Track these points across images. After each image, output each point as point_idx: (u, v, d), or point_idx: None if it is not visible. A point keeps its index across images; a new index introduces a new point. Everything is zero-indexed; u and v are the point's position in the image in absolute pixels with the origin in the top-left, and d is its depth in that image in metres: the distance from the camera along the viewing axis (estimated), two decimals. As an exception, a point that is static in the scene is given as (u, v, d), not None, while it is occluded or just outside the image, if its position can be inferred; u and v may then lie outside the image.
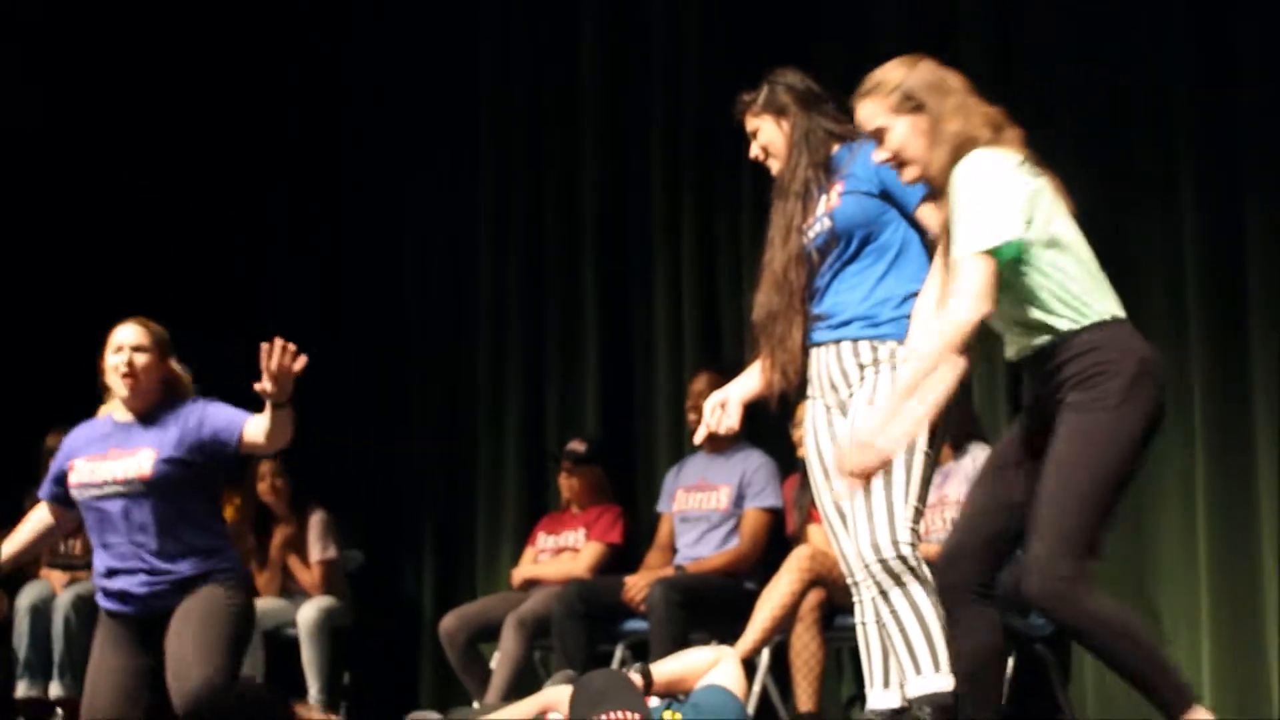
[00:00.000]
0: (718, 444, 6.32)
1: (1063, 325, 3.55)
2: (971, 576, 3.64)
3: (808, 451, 4.41)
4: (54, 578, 6.87)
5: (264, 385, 4.47)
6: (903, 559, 4.04)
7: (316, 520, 7.25)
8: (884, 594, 4.06)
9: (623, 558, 6.51)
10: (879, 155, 3.87)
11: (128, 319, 4.95)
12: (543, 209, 7.54)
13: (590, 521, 6.62)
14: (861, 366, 4.23)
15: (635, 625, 6.08)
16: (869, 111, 3.83)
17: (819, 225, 4.43)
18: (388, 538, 7.79)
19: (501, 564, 7.24)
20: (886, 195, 4.40)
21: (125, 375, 4.83)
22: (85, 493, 4.80)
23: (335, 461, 7.92)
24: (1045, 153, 3.71)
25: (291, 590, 7.24)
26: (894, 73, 3.81)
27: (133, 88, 8.27)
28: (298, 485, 7.33)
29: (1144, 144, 5.68)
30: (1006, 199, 3.53)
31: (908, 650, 4.05)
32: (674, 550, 6.37)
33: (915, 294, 4.20)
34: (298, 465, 7.33)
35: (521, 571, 6.66)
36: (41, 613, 6.80)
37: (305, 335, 8.27)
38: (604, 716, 3.58)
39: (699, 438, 4.73)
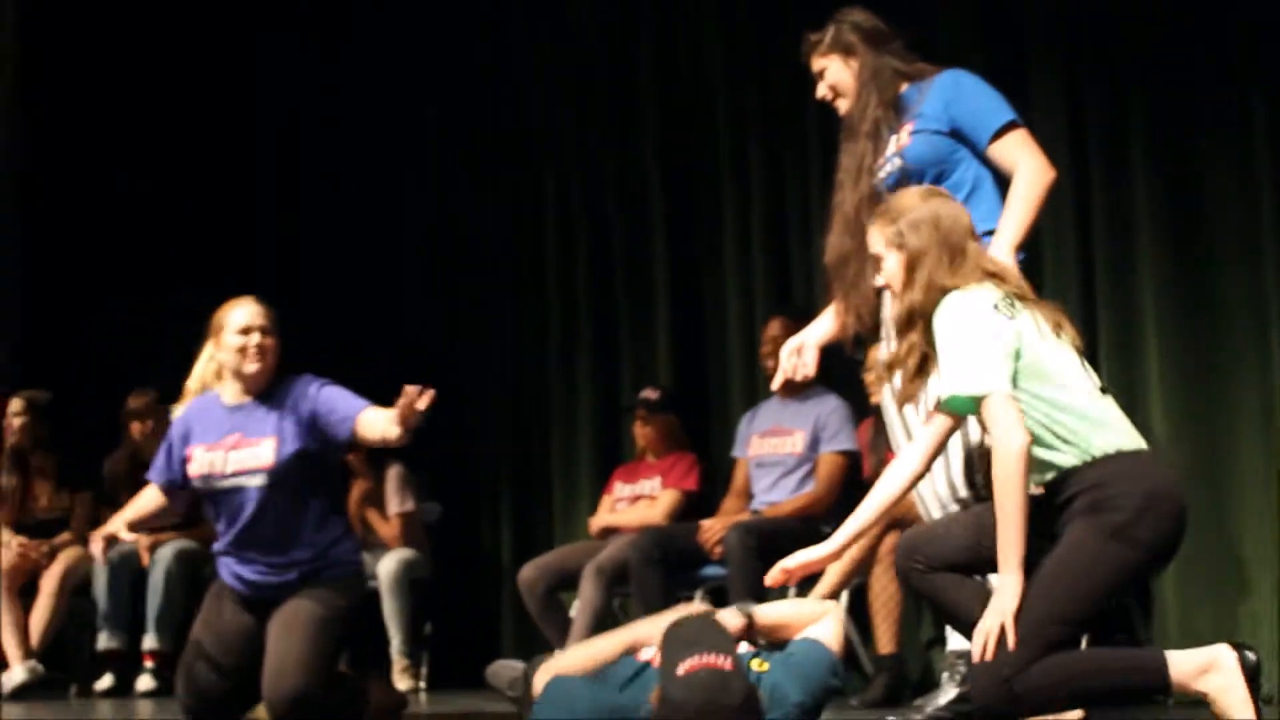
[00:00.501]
0: (791, 389, 6.30)
1: (1066, 462, 3.52)
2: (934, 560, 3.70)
3: (884, 394, 4.41)
4: (140, 540, 6.93)
5: (398, 422, 4.47)
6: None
7: (394, 474, 7.32)
8: None
9: (699, 504, 6.53)
10: (877, 280, 3.88)
11: (239, 299, 4.91)
12: (608, 159, 7.54)
13: (666, 469, 6.65)
14: None
15: (713, 571, 6.10)
16: (873, 237, 3.85)
17: (890, 165, 4.42)
18: (465, 490, 7.85)
19: (579, 513, 7.29)
20: (957, 133, 4.39)
21: (256, 358, 4.82)
22: (206, 482, 4.81)
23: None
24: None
25: (371, 544, 7.31)
26: (902, 202, 3.83)
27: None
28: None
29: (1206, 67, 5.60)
30: (982, 343, 3.53)
31: None
32: (750, 496, 6.38)
33: (990, 232, 4.19)
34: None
35: (599, 520, 6.69)
36: (120, 568, 6.90)
37: (379, 290, 8.42)
38: (695, 658, 3.60)
39: (776, 384, 4.74)
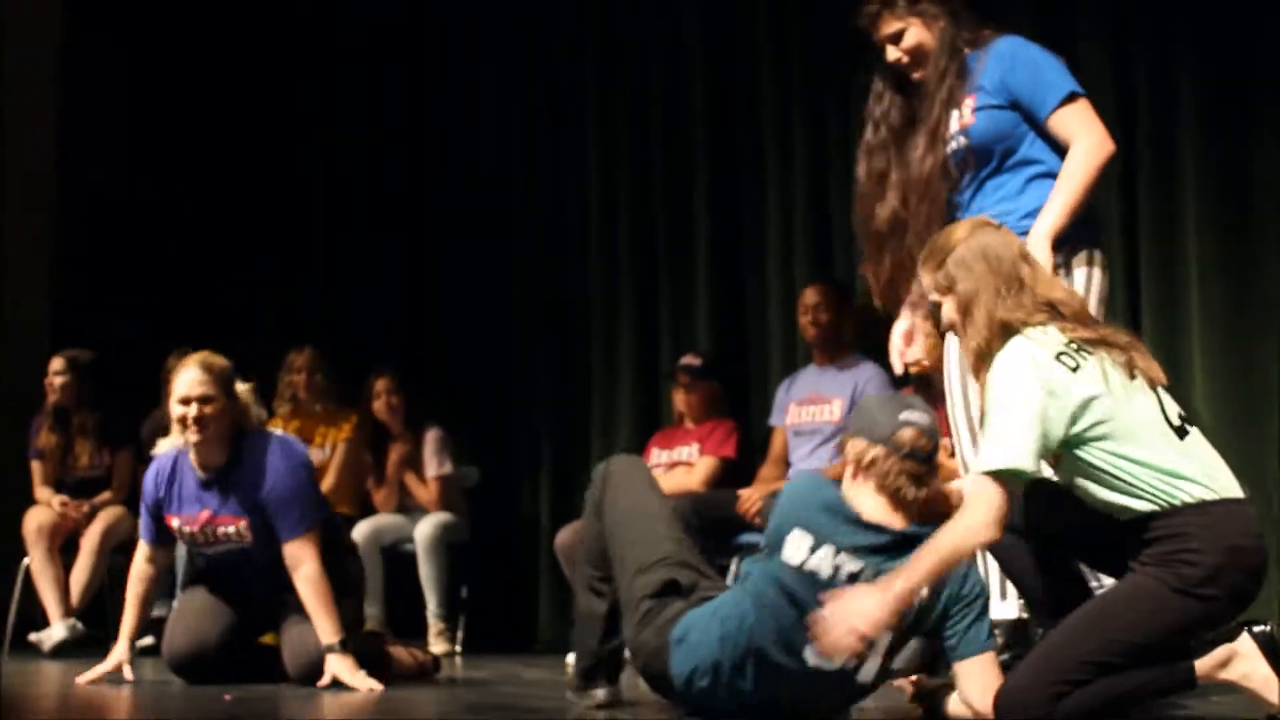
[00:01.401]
0: (829, 356, 6.34)
1: (1145, 507, 3.41)
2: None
3: (945, 362, 4.40)
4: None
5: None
6: None
7: (432, 437, 7.35)
8: None
9: (736, 471, 6.54)
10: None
11: (187, 358, 4.90)
12: (651, 122, 7.54)
13: (704, 436, 6.65)
14: None
15: (750, 538, 6.12)
16: (924, 281, 3.74)
17: (955, 142, 4.40)
18: (504, 454, 7.88)
19: (616, 479, 7.27)
20: (1017, 105, 4.37)
21: (196, 431, 4.82)
22: (192, 546, 5.02)
23: (450, 379, 8.02)
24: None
25: (409, 507, 7.36)
26: (947, 241, 3.68)
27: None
28: (413, 402, 7.42)
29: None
30: (1024, 415, 3.38)
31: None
32: (787, 464, 6.40)
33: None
34: (413, 383, 7.44)
35: (636, 486, 6.69)
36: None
37: (418, 256, 8.46)
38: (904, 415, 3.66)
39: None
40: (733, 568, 6.17)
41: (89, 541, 7.01)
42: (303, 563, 4.76)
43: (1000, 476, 3.37)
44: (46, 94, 8.80)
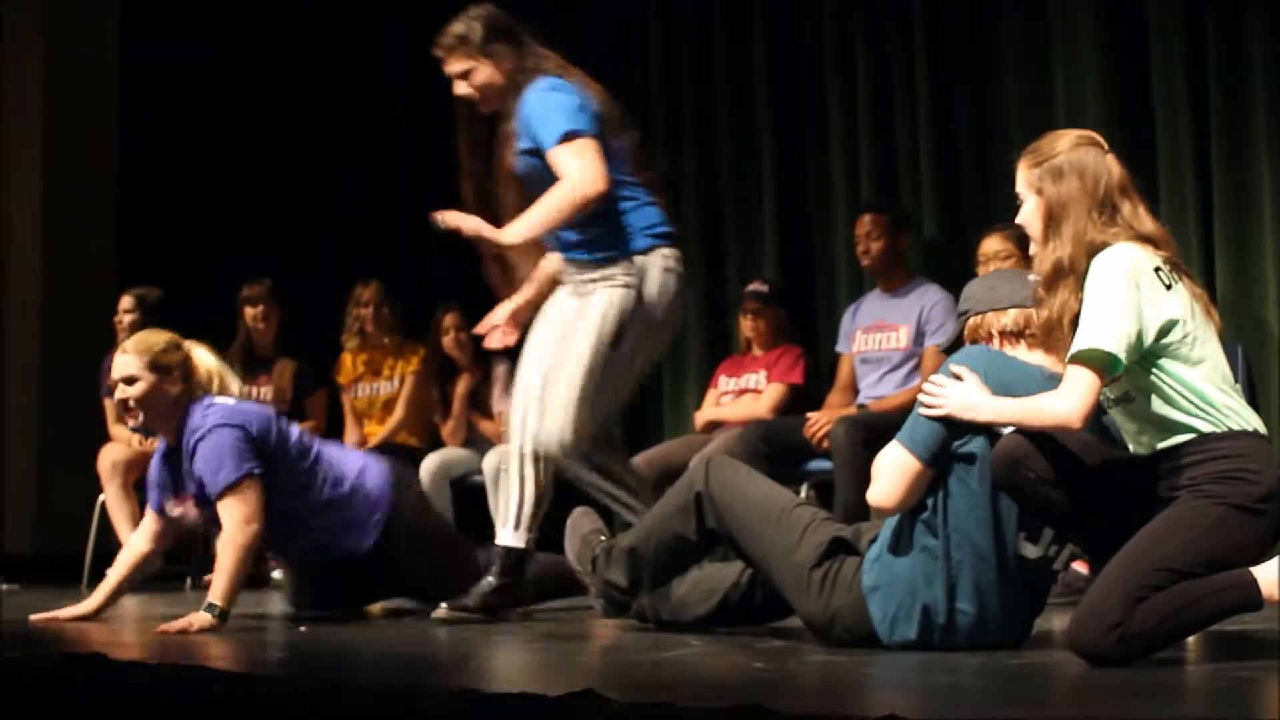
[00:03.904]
0: (890, 283, 6.40)
1: (1205, 427, 3.50)
2: None
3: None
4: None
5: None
6: None
7: (500, 371, 7.43)
8: None
9: (804, 398, 6.59)
10: (1018, 218, 3.77)
11: (119, 344, 4.92)
12: (714, 58, 7.58)
13: (771, 363, 6.71)
14: None
15: (818, 465, 6.20)
16: (1019, 175, 3.73)
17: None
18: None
19: (685, 407, 7.36)
20: (536, 150, 4.68)
21: (130, 416, 4.81)
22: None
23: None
24: None
25: (476, 440, 7.45)
26: (1051, 144, 3.70)
27: None
28: (481, 337, 7.50)
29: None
30: (1124, 308, 3.46)
31: None
32: (855, 391, 6.47)
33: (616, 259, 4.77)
34: (479, 318, 7.52)
35: (704, 414, 6.78)
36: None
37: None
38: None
39: (494, 343, 5.23)
40: (801, 493, 6.26)
41: (163, 477, 7.14)
42: (224, 525, 4.63)
43: (1092, 362, 3.45)
44: (108, 35, 8.92)
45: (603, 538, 4.51)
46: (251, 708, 3.18)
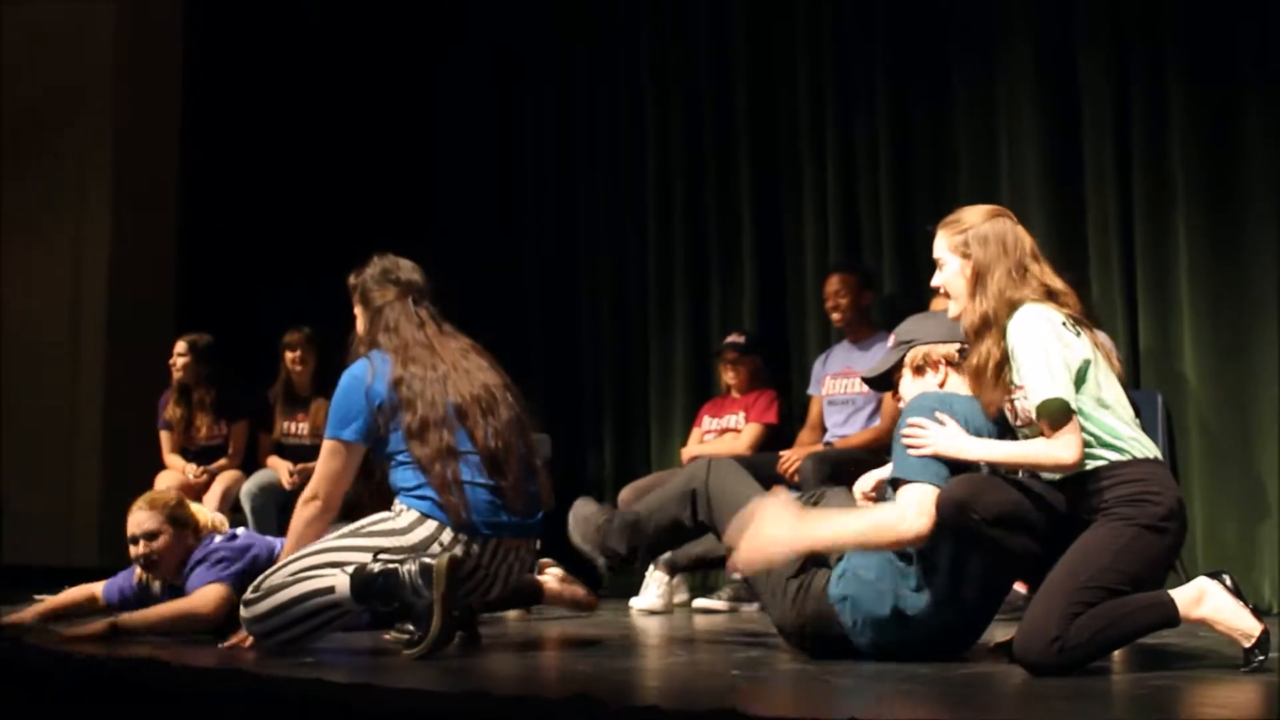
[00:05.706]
0: (859, 334, 6.42)
1: (1112, 457, 3.59)
2: None
3: None
4: (280, 466, 7.07)
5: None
6: None
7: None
8: None
9: (778, 436, 6.61)
10: (935, 280, 3.87)
11: (137, 501, 4.67)
12: (705, 134, 7.58)
13: (749, 405, 6.72)
14: None
15: (790, 494, 6.18)
16: (939, 241, 3.83)
17: None
18: (572, 423, 7.91)
19: (672, 444, 7.36)
20: None
21: (149, 567, 4.64)
22: None
23: (521, 354, 8.09)
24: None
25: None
26: (971, 215, 3.81)
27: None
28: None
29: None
30: (1054, 358, 3.56)
31: None
32: (823, 429, 6.47)
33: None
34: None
35: (690, 450, 6.76)
36: (260, 496, 6.99)
37: (486, 240, 8.49)
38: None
39: None
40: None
41: (209, 501, 7.10)
42: (188, 593, 4.50)
43: (1059, 410, 3.53)
44: (172, 108, 8.94)
45: (604, 516, 4.44)
46: (251, 708, 3.15)
